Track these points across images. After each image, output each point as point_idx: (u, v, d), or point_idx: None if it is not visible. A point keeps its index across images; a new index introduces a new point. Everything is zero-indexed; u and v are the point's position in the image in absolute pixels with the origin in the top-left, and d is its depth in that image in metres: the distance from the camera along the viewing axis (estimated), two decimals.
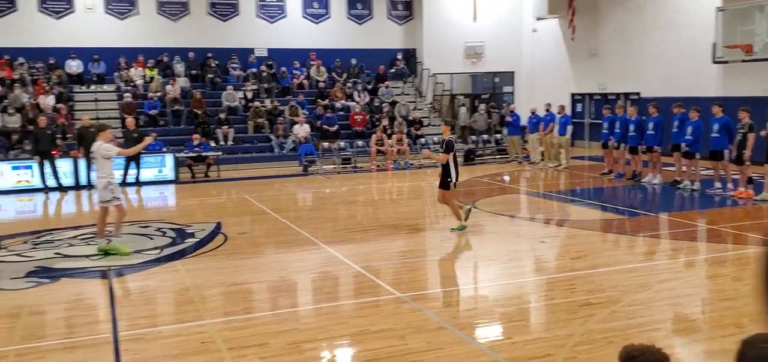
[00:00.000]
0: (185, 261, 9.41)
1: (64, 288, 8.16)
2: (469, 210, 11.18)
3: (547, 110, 19.94)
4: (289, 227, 11.49)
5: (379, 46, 26.05)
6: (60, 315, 7.25)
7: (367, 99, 24.05)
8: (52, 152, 16.80)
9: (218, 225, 11.60)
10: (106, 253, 9.54)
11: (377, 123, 22.11)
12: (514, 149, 21.52)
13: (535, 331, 6.57)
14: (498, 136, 23.20)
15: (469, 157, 21.73)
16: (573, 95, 25.32)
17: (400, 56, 26.34)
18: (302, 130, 21.16)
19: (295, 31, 25.16)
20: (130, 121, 18.20)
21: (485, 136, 23.19)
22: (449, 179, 10.70)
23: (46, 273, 8.73)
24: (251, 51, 24.55)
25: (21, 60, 21.65)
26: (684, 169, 15.08)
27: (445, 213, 13.73)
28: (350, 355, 6.05)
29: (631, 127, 16.36)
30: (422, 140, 22.20)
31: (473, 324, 6.74)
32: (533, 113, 20.67)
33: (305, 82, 24.45)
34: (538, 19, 25.83)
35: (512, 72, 27.15)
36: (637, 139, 16.20)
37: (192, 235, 10.90)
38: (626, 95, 22.41)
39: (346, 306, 7.48)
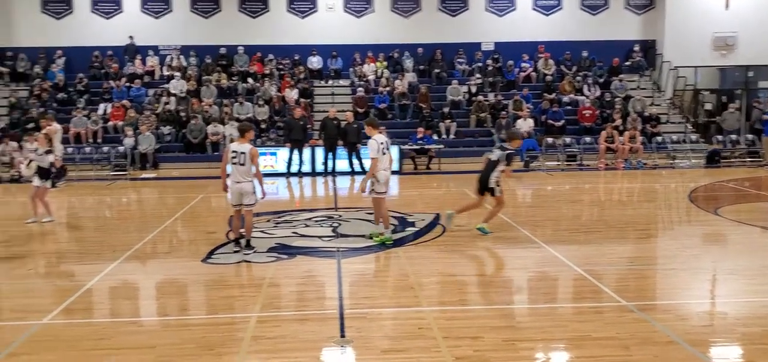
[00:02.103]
0: (405, 248, 9.71)
1: (298, 265, 8.86)
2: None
3: None
4: (507, 223, 11.33)
5: (614, 37, 24.71)
6: (294, 288, 7.89)
7: (598, 93, 22.94)
8: (304, 142, 18.29)
9: (437, 216, 11.79)
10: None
11: (608, 119, 21.01)
12: None
13: None
14: (750, 136, 20.78)
15: (713, 159, 19.74)
16: None
17: (637, 48, 24.79)
18: (525, 124, 20.78)
19: (523, 23, 24.83)
20: (348, 115, 19.09)
21: (733, 136, 20.92)
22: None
23: (284, 250, 9.57)
24: (478, 45, 24.69)
25: (270, 56, 24.07)
26: None
27: (681, 220, 12.66)
28: (567, 360, 5.79)
29: None
30: (659, 138, 20.61)
31: (708, 341, 6.09)
32: None
33: (532, 75, 24.00)
34: None
35: None
36: None
37: (412, 224, 11.23)
38: None
39: (565, 309, 7.18)
